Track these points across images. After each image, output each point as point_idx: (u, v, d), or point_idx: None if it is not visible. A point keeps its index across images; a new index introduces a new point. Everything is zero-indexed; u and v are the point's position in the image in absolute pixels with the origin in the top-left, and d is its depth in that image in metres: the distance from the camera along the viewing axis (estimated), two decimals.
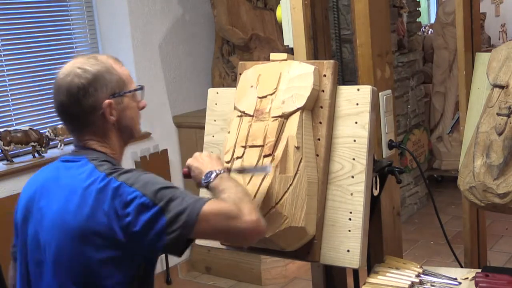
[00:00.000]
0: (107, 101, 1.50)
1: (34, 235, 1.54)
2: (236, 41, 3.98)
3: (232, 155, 1.76)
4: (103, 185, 1.43)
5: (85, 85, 1.47)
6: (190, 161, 1.69)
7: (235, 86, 1.94)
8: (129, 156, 3.64)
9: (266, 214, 1.64)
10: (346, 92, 1.77)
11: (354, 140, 1.73)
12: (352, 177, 1.72)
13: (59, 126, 3.35)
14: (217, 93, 2.04)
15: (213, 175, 1.57)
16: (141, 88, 1.61)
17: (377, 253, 2.05)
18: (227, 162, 1.75)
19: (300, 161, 1.69)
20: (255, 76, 1.87)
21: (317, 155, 1.75)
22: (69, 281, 1.45)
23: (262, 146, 1.71)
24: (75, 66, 1.50)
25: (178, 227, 1.39)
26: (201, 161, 1.65)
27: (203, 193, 1.81)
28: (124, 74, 1.55)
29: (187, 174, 1.70)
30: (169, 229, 1.39)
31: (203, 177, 1.59)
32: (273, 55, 1.90)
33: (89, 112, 1.50)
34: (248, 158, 1.72)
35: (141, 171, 1.51)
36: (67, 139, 3.41)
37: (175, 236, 1.39)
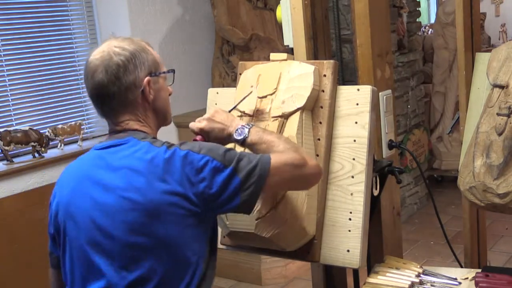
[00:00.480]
0: (147, 78, 1.49)
1: (89, 227, 1.45)
2: (236, 41, 3.98)
3: None
4: (169, 155, 1.41)
5: (125, 62, 1.46)
6: (205, 125, 1.63)
7: (235, 86, 1.95)
8: None
9: (266, 214, 1.64)
10: (346, 92, 1.77)
11: (354, 140, 1.73)
12: (352, 177, 1.72)
13: (59, 126, 3.35)
14: (217, 93, 2.05)
15: (246, 130, 1.59)
16: (173, 71, 1.61)
17: (377, 253, 2.05)
18: None
19: None
20: (255, 76, 1.87)
21: (317, 155, 1.75)
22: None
23: None
24: (112, 45, 1.48)
25: (251, 184, 1.42)
26: (219, 120, 1.64)
27: None
28: (157, 56, 1.56)
29: (203, 140, 1.63)
30: (243, 187, 1.42)
31: (234, 134, 1.60)
32: (273, 55, 1.90)
33: (130, 89, 1.47)
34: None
35: None
36: (67, 139, 3.41)
37: (249, 193, 1.42)
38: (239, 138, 1.59)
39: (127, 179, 1.42)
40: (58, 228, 1.53)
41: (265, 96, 1.80)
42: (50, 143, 3.34)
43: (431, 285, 1.80)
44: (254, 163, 1.43)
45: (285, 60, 1.87)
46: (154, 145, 1.45)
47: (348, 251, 1.70)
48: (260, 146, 1.56)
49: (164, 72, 1.56)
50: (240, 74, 1.94)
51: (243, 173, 1.42)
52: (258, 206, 1.62)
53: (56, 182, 1.59)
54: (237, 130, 1.60)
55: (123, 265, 1.42)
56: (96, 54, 1.48)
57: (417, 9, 5.03)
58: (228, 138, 1.62)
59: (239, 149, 1.61)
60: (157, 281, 1.41)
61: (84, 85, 1.56)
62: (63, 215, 1.51)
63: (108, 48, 1.48)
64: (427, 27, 7.01)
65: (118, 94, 1.47)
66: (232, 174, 1.41)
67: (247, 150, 1.60)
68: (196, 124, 1.65)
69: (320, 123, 1.76)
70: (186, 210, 1.40)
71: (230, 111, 1.74)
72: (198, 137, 1.63)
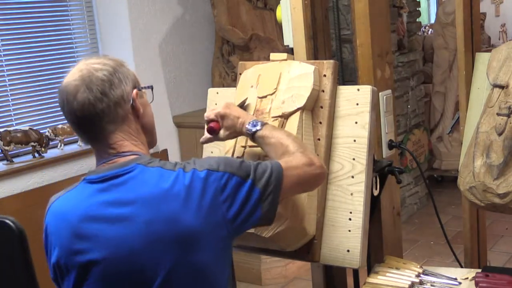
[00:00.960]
0: (134, 90, 1.40)
1: (108, 272, 1.32)
2: (236, 41, 3.98)
3: (232, 155, 1.77)
4: (190, 180, 1.32)
5: (109, 77, 1.35)
6: (222, 109, 1.64)
7: (235, 86, 1.95)
8: None
9: None
10: (346, 92, 1.77)
11: (354, 140, 1.73)
12: (352, 177, 1.72)
13: (59, 126, 3.35)
14: (217, 93, 2.04)
15: (259, 124, 1.59)
16: (151, 87, 1.51)
17: (377, 253, 2.05)
18: None
19: None
20: (255, 76, 1.87)
21: (317, 155, 1.75)
22: None
23: None
24: (88, 63, 1.37)
25: (270, 193, 1.39)
26: (235, 110, 1.65)
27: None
28: (135, 73, 1.49)
29: (218, 127, 1.65)
30: (262, 198, 1.38)
31: (248, 125, 1.60)
32: (273, 55, 1.90)
33: (119, 104, 1.36)
34: (248, 158, 1.72)
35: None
36: (67, 139, 3.41)
37: (269, 202, 1.39)
38: (253, 129, 1.59)
39: (147, 213, 1.30)
40: (64, 275, 1.40)
41: (265, 96, 1.80)
42: (50, 143, 3.34)
43: (431, 285, 1.80)
44: (269, 171, 1.40)
45: (285, 60, 1.86)
46: (166, 168, 1.34)
47: (348, 251, 1.70)
48: (269, 140, 1.57)
49: (144, 88, 1.47)
50: (240, 74, 1.94)
51: (262, 183, 1.38)
52: None
53: (45, 228, 1.44)
54: (251, 122, 1.61)
55: None
56: (73, 75, 1.36)
57: (417, 9, 5.03)
58: (240, 128, 1.63)
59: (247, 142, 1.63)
60: None
61: None
62: (71, 264, 1.36)
63: (86, 66, 1.36)
64: (427, 27, 7.00)
65: (107, 111, 1.35)
66: (252, 186, 1.37)
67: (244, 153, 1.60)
68: (212, 111, 1.66)
69: (320, 123, 1.76)
70: (215, 234, 1.34)
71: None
72: (213, 123, 1.65)
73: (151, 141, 1.50)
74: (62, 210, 1.39)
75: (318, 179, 1.54)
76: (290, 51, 2.03)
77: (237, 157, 1.75)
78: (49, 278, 1.47)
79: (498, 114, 1.85)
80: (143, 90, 1.47)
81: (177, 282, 1.32)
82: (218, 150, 1.94)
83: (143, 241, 1.29)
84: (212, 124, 1.66)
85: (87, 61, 1.39)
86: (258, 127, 1.59)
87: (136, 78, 1.44)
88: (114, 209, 1.32)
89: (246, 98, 1.84)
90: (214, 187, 1.33)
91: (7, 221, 1.79)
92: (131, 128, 1.40)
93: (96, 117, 1.35)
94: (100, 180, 1.36)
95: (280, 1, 2.09)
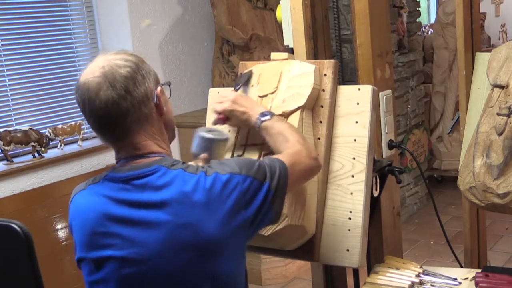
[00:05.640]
0: (159, 88, 1.35)
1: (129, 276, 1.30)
2: (236, 41, 3.98)
3: (232, 153, 1.77)
4: (211, 183, 1.28)
5: (132, 74, 1.29)
6: (228, 106, 1.68)
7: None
8: None
9: None
10: (347, 91, 1.78)
11: (355, 140, 1.73)
12: (352, 176, 1.72)
13: (59, 126, 3.35)
14: (218, 92, 2.04)
15: (268, 115, 1.63)
16: (169, 83, 1.47)
17: (377, 253, 2.05)
18: None
19: None
20: (255, 75, 1.87)
21: (318, 154, 1.75)
22: None
23: (262, 144, 1.71)
24: (109, 59, 1.30)
25: (280, 191, 1.39)
26: (242, 104, 1.67)
27: None
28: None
29: (223, 119, 1.71)
30: (275, 198, 1.38)
31: (258, 117, 1.63)
32: (273, 55, 1.91)
33: (143, 103, 1.30)
34: (248, 157, 1.72)
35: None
36: (67, 139, 3.41)
37: (279, 202, 1.40)
38: (260, 120, 1.62)
39: (168, 216, 1.26)
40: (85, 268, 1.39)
41: (266, 95, 1.80)
42: (50, 143, 3.33)
43: (431, 285, 1.80)
44: (278, 171, 1.39)
45: (286, 59, 1.87)
46: (188, 171, 1.30)
47: (347, 250, 1.70)
48: (271, 131, 1.60)
49: (164, 84, 1.42)
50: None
51: (274, 184, 1.37)
52: None
53: (70, 223, 1.40)
54: (262, 113, 1.64)
55: None
56: (92, 72, 1.29)
57: (417, 9, 5.03)
58: (248, 122, 1.66)
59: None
60: None
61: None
62: (89, 259, 1.35)
63: (107, 62, 1.30)
64: (427, 27, 7.00)
65: (132, 109, 1.29)
66: (269, 188, 1.36)
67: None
68: (219, 105, 1.69)
69: (321, 122, 1.76)
70: (237, 242, 1.33)
71: (236, 90, 1.81)
72: (220, 116, 1.70)
73: (173, 136, 1.47)
74: (84, 205, 1.36)
75: (314, 172, 1.58)
76: (290, 51, 2.03)
77: (238, 155, 1.76)
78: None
79: (498, 114, 1.85)
80: (164, 87, 1.42)
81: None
82: None
83: (162, 247, 1.27)
84: (220, 117, 1.71)
85: (107, 56, 1.32)
86: (268, 117, 1.62)
87: (157, 75, 1.39)
88: (135, 210, 1.29)
89: (251, 70, 1.87)
90: (238, 191, 1.31)
91: (14, 225, 1.75)
92: (154, 127, 1.36)
93: (120, 116, 1.29)
94: (122, 179, 1.32)
95: (280, 1, 2.09)
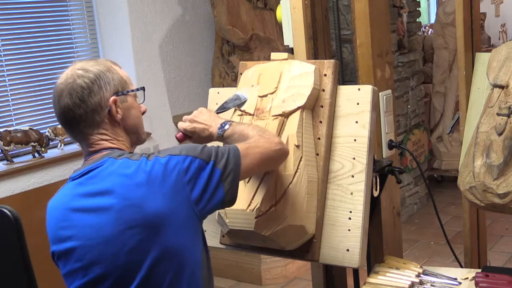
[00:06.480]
0: (112, 97, 1.48)
1: (91, 257, 1.42)
2: (236, 41, 3.98)
3: None
4: (151, 166, 1.40)
5: (88, 84, 1.46)
6: (187, 126, 1.71)
7: (235, 86, 1.95)
8: None
9: (266, 212, 1.64)
10: (347, 91, 1.78)
11: (355, 140, 1.73)
12: (352, 176, 1.72)
13: (59, 126, 3.35)
14: (218, 93, 2.05)
15: (227, 125, 1.66)
16: (143, 88, 1.60)
17: (377, 253, 2.05)
18: None
19: (300, 160, 1.69)
20: (255, 75, 1.87)
21: (317, 154, 1.75)
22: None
23: None
24: (75, 69, 1.48)
25: (230, 171, 1.45)
26: (201, 121, 1.70)
27: None
28: (124, 75, 1.56)
29: (183, 138, 1.73)
30: (223, 177, 1.45)
31: (218, 129, 1.66)
32: (274, 55, 1.91)
33: (95, 111, 1.46)
34: None
35: None
36: (67, 139, 3.41)
37: (229, 180, 1.45)
38: (220, 132, 1.66)
39: (120, 197, 1.38)
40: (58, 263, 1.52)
41: (266, 95, 1.80)
42: (50, 143, 3.34)
43: (431, 285, 1.80)
44: (227, 151, 1.48)
45: (286, 59, 1.87)
46: (132, 159, 1.43)
47: (347, 250, 1.70)
48: (233, 137, 1.64)
49: (132, 90, 1.55)
50: (241, 74, 1.94)
51: (222, 164, 1.45)
52: (257, 204, 1.62)
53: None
54: (221, 125, 1.67)
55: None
56: (62, 78, 1.48)
57: (417, 9, 5.03)
58: (210, 137, 1.69)
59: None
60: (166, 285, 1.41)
61: None
62: (58, 252, 1.48)
63: (72, 71, 1.47)
64: (427, 27, 7.00)
65: (84, 116, 1.46)
66: (213, 167, 1.44)
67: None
68: (180, 124, 1.73)
69: (321, 122, 1.76)
70: (185, 218, 1.41)
71: (218, 113, 1.81)
72: (179, 134, 1.73)
73: (137, 140, 1.59)
74: (51, 206, 1.52)
75: (279, 155, 1.59)
76: (290, 51, 2.03)
77: None
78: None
79: (498, 114, 1.85)
80: (131, 93, 1.54)
81: (150, 265, 1.38)
82: None
83: (114, 229, 1.38)
84: (177, 135, 1.73)
85: (75, 65, 1.50)
86: (226, 127, 1.65)
87: (124, 82, 1.52)
88: (88, 199, 1.42)
89: (245, 101, 1.86)
90: (177, 170, 1.40)
91: (5, 210, 1.95)
92: (108, 131, 1.50)
93: (74, 121, 1.47)
94: (79, 176, 1.47)
95: (280, 1, 2.09)
